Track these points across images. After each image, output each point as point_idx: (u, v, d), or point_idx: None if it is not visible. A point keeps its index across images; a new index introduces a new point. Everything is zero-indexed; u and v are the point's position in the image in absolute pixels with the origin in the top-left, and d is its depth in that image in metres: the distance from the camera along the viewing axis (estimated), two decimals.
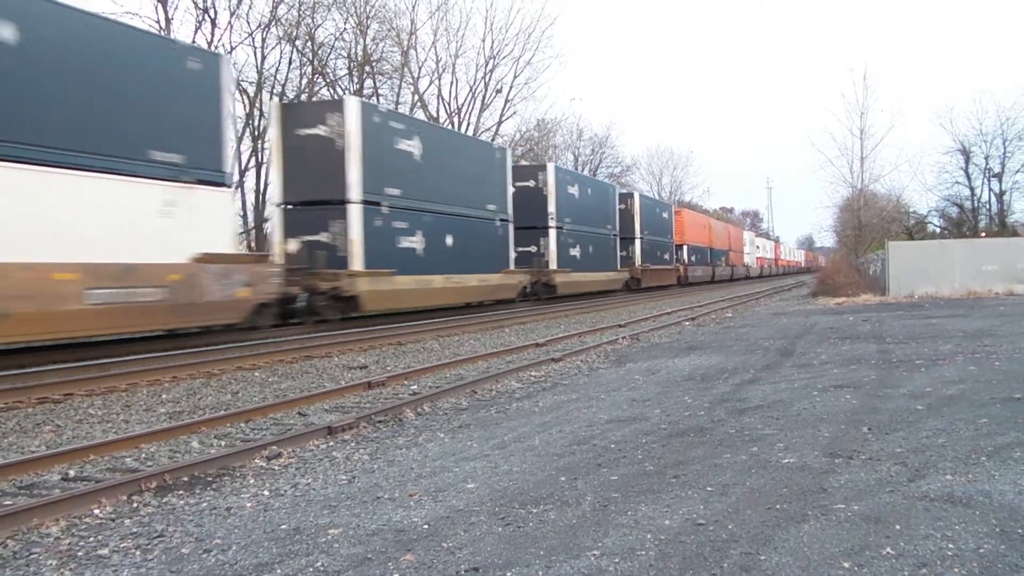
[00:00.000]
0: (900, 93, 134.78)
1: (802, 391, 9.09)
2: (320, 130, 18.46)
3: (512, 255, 26.40)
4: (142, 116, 13.03)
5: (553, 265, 29.34)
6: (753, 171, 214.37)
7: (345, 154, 18.21)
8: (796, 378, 10.14)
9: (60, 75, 11.82)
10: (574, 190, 31.67)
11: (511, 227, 26.23)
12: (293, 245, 18.17)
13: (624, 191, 42.48)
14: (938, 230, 49.91)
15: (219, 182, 14.51)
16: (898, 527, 4.45)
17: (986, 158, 46.72)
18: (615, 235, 36.75)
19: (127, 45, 13.06)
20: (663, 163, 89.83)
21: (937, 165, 62.26)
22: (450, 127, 40.96)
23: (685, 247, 49.19)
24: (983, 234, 42.27)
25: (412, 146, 20.58)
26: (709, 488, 5.33)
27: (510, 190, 26.44)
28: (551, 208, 29.28)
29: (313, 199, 18.83)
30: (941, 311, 20.68)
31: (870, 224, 42.11)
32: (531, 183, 29.02)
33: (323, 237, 18.45)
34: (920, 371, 10.31)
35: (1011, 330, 15.06)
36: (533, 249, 28.90)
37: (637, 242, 40.05)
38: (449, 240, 22.23)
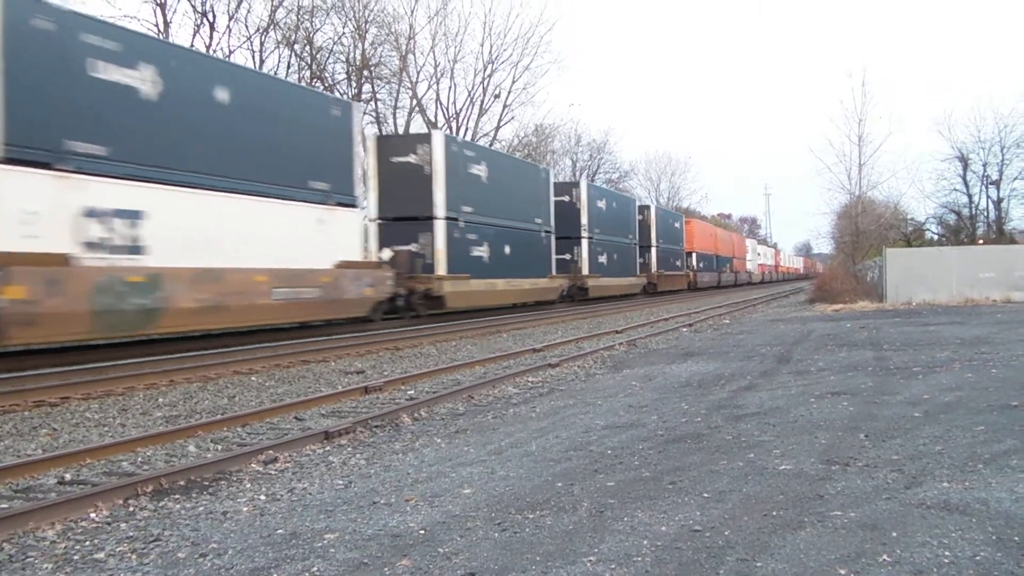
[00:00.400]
0: (898, 100, 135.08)
1: (799, 398, 9.10)
2: (411, 158, 22.36)
3: (553, 262, 30.14)
4: (305, 153, 16.68)
5: (585, 271, 33.09)
6: (751, 177, 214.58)
7: (432, 178, 22.20)
8: (793, 385, 10.14)
9: (255, 125, 15.35)
10: (602, 204, 35.53)
11: (553, 238, 30.09)
12: (387, 253, 21.04)
13: (642, 203, 46.07)
14: (936, 237, 49.93)
15: (351, 204, 18.24)
16: (894, 534, 4.45)
17: (984, 165, 46.77)
18: (635, 244, 40.56)
19: (294, 98, 17.17)
20: (661, 169, 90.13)
21: (935, 172, 62.40)
22: (449, 132, 41.02)
23: (694, 254, 52.70)
24: (981, 241, 42.33)
25: (480, 170, 24.61)
26: (706, 494, 5.33)
27: (552, 205, 30.26)
28: (584, 220, 33.04)
29: (404, 215, 22.45)
30: (938, 318, 20.70)
31: (868, 231, 42.12)
32: (566, 198, 32.77)
33: (412, 247, 22.06)
34: (917, 378, 10.31)
35: (1008, 337, 15.08)
36: (568, 257, 32.45)
37: (653, 250, 43.55)
38: (507, 249, 25.95)
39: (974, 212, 48.03)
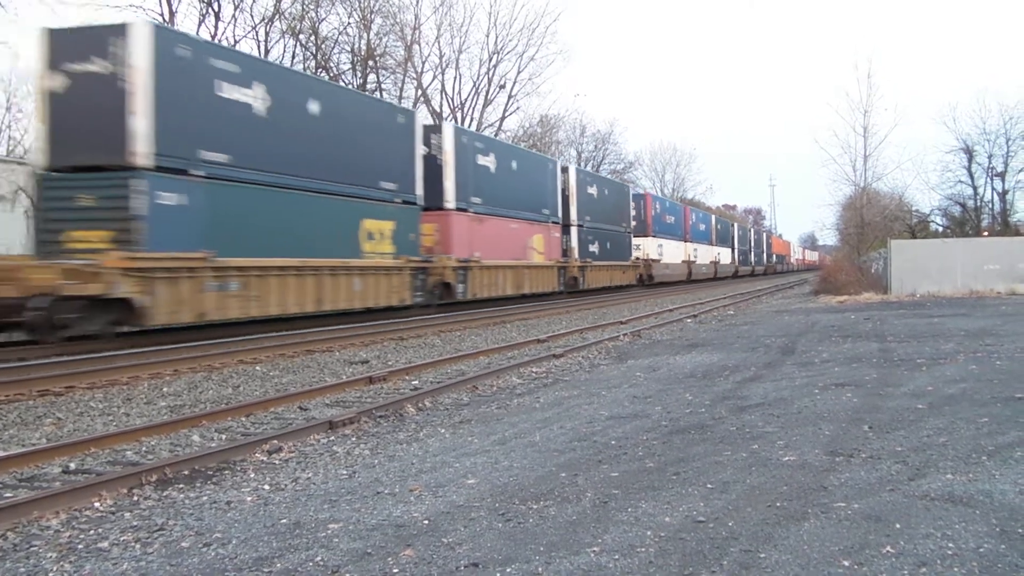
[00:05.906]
0: (904, 90, 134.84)
1: (803, 389, 9.09)
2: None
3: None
4: None
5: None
6: (756, 168, 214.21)
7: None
8: (797, 376, 10.13)
9: None
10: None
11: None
12: None
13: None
14: (941, 229, 49.77)
15: None
16: (898, 526, 4.45)
17: (989, 157, 46.52)
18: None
19: None
20: (666, 160, 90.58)
21: (940, 164, 61.84)
22: (454, 121, 40.97)
23: (774, 255, 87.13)
24: (985, 233, 42.18)
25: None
26: (709, 485, 5.33)
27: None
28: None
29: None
30: (943, 310, 20.66)
31: (873, 222, 41.95)
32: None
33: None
34: (921, 370, 10.30)
35: (1013, 329, 15.04)
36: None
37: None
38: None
39: (979, 204, 47.82)
